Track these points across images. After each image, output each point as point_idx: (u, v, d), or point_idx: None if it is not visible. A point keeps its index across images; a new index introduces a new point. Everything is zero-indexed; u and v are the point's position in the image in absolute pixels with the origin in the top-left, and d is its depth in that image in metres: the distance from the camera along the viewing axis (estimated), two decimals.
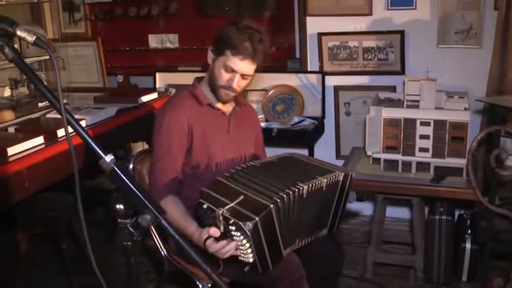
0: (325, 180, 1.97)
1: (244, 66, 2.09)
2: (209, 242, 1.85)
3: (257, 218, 1.74)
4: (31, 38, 1.13)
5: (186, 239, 1.93)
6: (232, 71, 2.10)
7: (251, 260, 1.82)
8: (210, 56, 2.18)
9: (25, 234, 2.97)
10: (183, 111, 2.18)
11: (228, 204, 1.80)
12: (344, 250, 2.35)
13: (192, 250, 1.21)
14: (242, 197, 1.83)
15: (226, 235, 1.81)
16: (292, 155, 2.26)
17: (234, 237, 1.79)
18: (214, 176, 2.10)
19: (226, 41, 2.08)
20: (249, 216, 1.75)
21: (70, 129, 1.18)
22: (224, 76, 2.12)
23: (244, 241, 1.77)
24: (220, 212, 1.78)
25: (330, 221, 2.14)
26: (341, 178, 2.05)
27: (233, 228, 1.78)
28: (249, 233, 1.74)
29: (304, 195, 1.91)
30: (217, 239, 1.83)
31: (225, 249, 1.82)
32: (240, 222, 1.74)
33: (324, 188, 1.98)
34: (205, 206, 1.85)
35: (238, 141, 2.29)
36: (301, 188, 1.89)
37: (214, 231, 1.82)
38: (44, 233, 3.20)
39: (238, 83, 2.14)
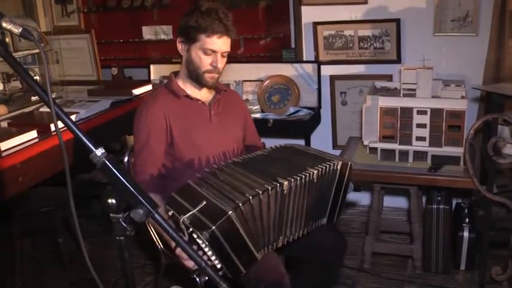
0: (315, 172, 1.91)
1: (223, 43, 2.14)
2: (178, 251, 1.90)
3: (213, 227, 1.67)
4: (17, 30, 1.10)
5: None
6: (213, 52, 2.14)
7: (219, 266, 1.77)
8: (182, 47, 2.20)
9: (21, 228, 2.96)
10: (159, 106, 2.18)
11: (189, 211, 1.75)
12: (346, 240, 2.32)
13: (187, 245, 1.19)
14: (205, 202, 1.76)
15: (192, 241, 1.76)
16: (292, 145, 2.21)
17: (200, 244, 1.74)
18: (204, 167, 2.10)
19: (196, 27, 2.10)
20: (206, 224, 1.69)
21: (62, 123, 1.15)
22: (205, 60, 2.15)
23: (207, 249, 1.73)
24: (181, 220, 1.74)
25: (329, 211, 2.10)
26: (339, 167, 2.01)
27: (195, 236, 1.73)
28: (206, 243, 1.69)
29: (285, 191, 1.83)
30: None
31: (190, 263, 1.87)
32: (198, 232, 1.70)
33: (315, 180, 1.93)
34: (170, 213, 1.84)
35: (223, 129, 2.28)
36: (278, 184, 1.81)
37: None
38: (40, 228, 3.19)
39: (221, 62, 2.18)
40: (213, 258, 1.74)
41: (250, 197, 1.74)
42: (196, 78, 2.21)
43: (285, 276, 2.00)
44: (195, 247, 1.76)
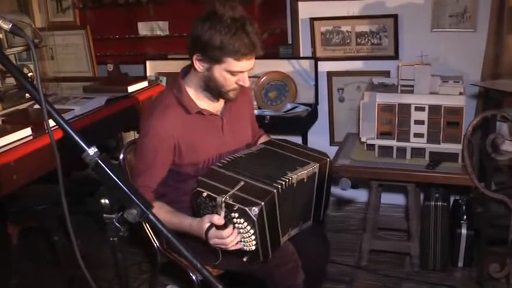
0: (305, 172, 1.96)
1: (251, 63, 1.93)
2: (212, 232, 1.79)
3: (262, 203, 1.72)
4: (7, 26, 1.08)
5: (184, 234, 1.89)
6: (240, 72, 1.94)
7: (253, 247, 1.79)
8: (201, 65, 1.95)
9: (15, 227, 2.93)
10: (167, 125, 1.98)
11: (229, 191, 1.76)
12: (329, 241, 2.33)
13: (181, 244, 1.17)
14: (242, 183, 1.80)
15: (227, 225, 1.78)
16: (267, 146, 2.16)
17: (237, 225, 1.76)
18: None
19: (221, 48, 1.84)
20: (253, 201, 1.73)
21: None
22: (231, 80, 1.95)
23: (249, 227, 1.74)
24: (223, 199, 1.74)
25: (313, 211, 2.11)
26: (317, 170, 2.02)
27: (236, 215, 1.74)
28: (254, 218, 1.71)
29: (295, 185, 1.90)
30: (218, 228, 1.78)
31: (230, 238, 1.77)
32: (246, 208, 1.71)
33: (306, 180, 1.97)
34: (205, 194, 1.79)
35: (233, 135, 2.16)
36: (291, 177, 1.88)
37: (219, 219, 1.76)
38: (35, 226, 3.17)
39: (247, 78, 2.00)
40: (252, 237, 1.77)
41: (283, 183, 1.82)
42: (218, 94, 2.03)
43: (299, 265, 2.04)
44: (230, 229, 1.78)
